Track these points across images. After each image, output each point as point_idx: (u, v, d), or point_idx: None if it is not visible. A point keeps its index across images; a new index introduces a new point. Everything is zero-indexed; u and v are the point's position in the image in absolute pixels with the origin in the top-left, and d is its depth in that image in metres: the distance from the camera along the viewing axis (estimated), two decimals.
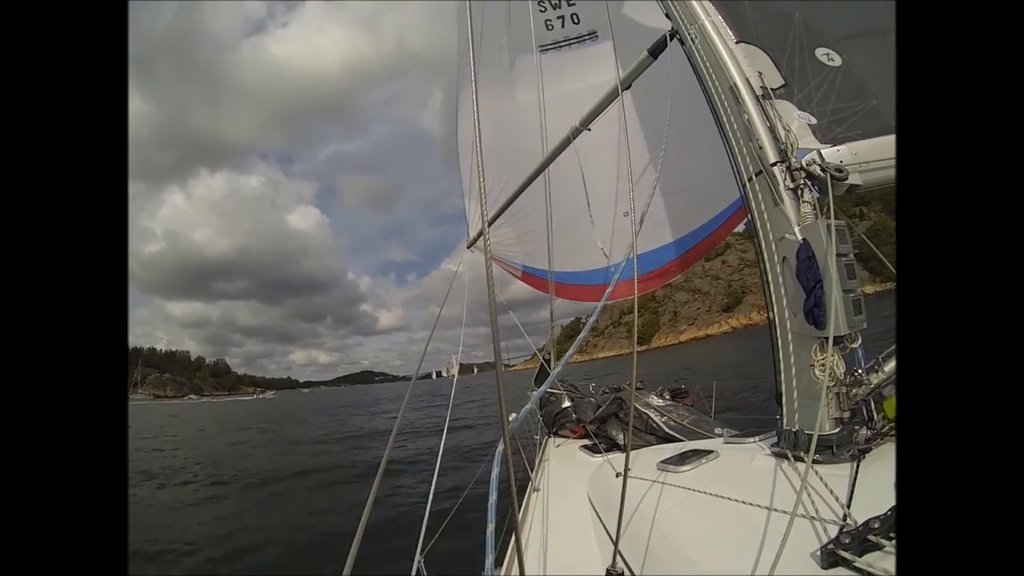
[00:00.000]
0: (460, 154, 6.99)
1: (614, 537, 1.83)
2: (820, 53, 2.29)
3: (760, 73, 2.12)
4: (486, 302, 1.55)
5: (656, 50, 2.90)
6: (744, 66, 2.15)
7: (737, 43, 2.23)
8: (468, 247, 6.56)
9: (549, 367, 5.68)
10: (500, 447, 2.08)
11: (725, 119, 2.19)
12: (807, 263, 1.82)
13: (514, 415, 4.26)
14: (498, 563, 2.13)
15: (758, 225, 2.07)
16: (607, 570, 1.41)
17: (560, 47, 5.64)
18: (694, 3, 2.39)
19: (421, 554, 2.11)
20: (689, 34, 2.37)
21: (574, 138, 3.88)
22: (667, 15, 2.61)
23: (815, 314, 1.79)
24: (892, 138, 2.02)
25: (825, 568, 1.19)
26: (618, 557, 1.53)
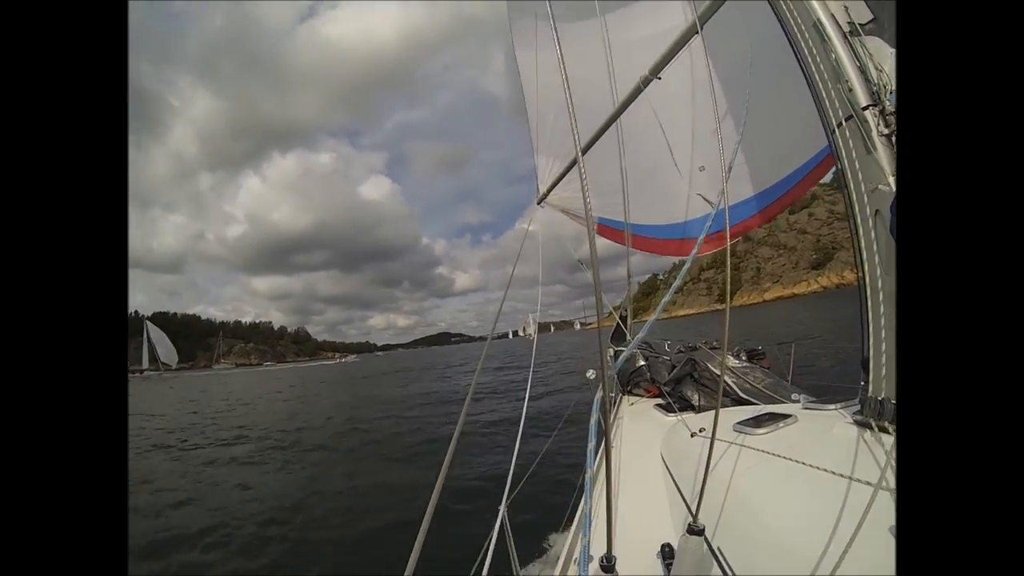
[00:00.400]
0: (528, 109, 6.79)
1: (688, 496, 1.90)
2: None
3: (846, 7, 1.95)
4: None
5: None
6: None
7: None
8: (538, 203, 6.43)
9: (625, 324, 5.58)
10: (598, 395, 2.10)
11: (810, 60, 2.02)
12: None
13: (592, 372, 4.22)
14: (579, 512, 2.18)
15: (848, 176, 1.91)
16: (688, 525, 1.40)
17: None
18: None
19: (505, 504, 2.20)
20: None
21: (645, 86, 3.70)
22: None
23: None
24: None
25: None
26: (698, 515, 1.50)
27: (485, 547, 1.97)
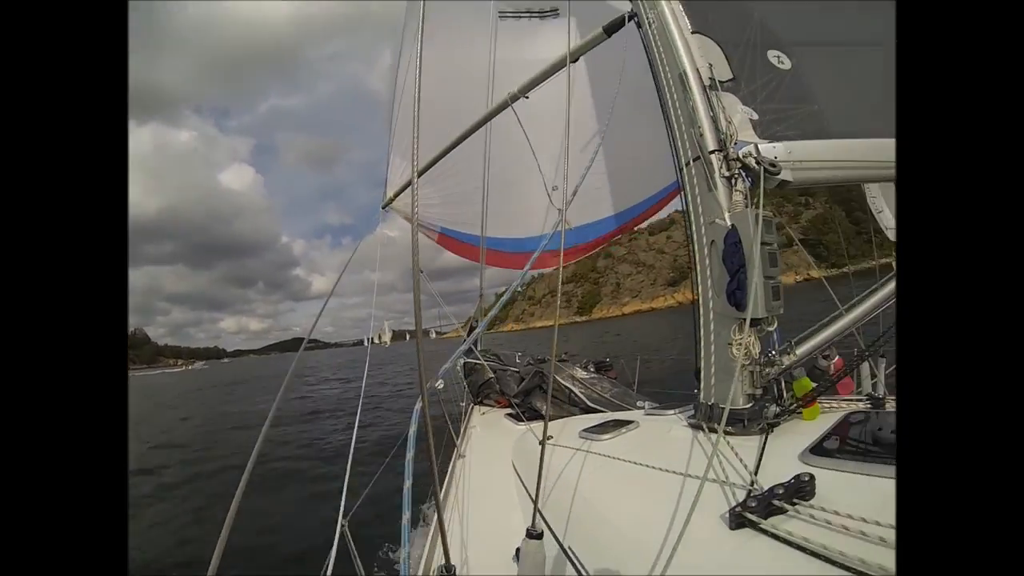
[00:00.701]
0: (394, 106, 6.79)
1: (535, 502, 1.95)
2: (772, 55, 2.41)
3: (711, 65, 2.25)
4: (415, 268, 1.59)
5: (611, 28, 2.97)
6: (696, 56, 2.24)
7: (693, 33, 2.32)
8: (383, 207, 6.45)
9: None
10: (418, 405, 2.14)
11: (671, 104, 2.30)
12: (733, 248, 1.96)
13: (440, 382, 4.33)
14: (417, 522, 2.22)
15: (691, 208, 2.21)
16: (527, 530, 1.46)
17: (520, 17, 5.53)
18: None
19: (344, 518, 2.21)
20: (647, 18, 2.45)
21: (512, 102, 3.89)
22: None
23: (736, 296, 1.95)
24: (827, 142, 2.18)
25: (733, 528, 1.31)
26: (538, 518, 1.61)
27: (325, 564, 2.02)
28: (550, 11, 5.54)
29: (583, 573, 1.52)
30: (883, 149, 2.20)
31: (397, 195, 6.28)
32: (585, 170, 2.14)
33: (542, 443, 1.69)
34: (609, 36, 3.02)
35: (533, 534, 1.46)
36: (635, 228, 6.95)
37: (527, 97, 3.81)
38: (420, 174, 5.37)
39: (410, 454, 2.09)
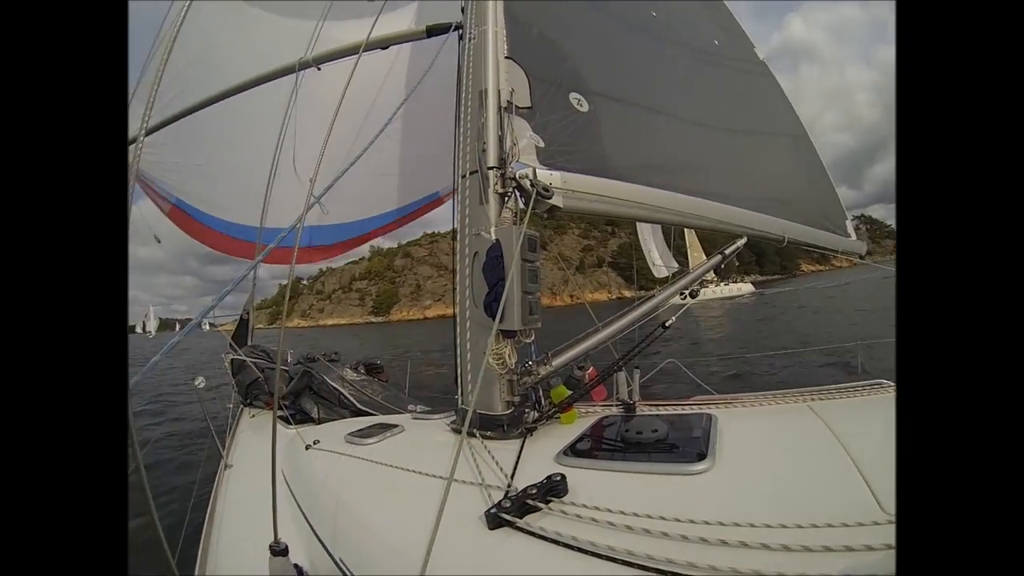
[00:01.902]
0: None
1: (305, 509, 2.01)
2: (573, 96, 2.67)
3: (512, 90, 2.43)
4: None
5: (434, 31, 3.09)
6: (502, 78, 2.45)
7: (507, 57, 2.49)
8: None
9: (249, 327, 5.43)
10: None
11: (464, 116, 2.50)
12: (495, 261, 2.09)
13: (200, 379, 3.95)
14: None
15: (460, 218, 2.39)
16: (270, 546, 1.47)
17: None
18: (489, 4, 2.60)
19: None
20: (471, 33, 2.57)
21: (299, 68, 3.77)
22: (462, 9, 2.79)
23: (492, 307, 2.05)
24: (601, 179, 2.43)
25: (491, 529, 1.37)
26: (297, 530, 1.57)
27: None
28: None
29: None
30: (649, 195, 2.53)
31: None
32: (348, 165, 2.13)
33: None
34: (428, 37, 3.13)
35: (276, 551, 1.47)
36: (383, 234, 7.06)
37: (319, 68, 3.71)
38: (159, 126, 4.70)
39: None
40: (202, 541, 2.20)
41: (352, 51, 3.31)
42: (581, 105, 2.64)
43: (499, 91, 2.39)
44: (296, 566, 1.60)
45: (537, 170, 2.22)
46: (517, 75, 2.45)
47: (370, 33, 2.72)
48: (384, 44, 3.26)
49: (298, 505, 2.10)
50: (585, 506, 1.36)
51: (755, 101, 4.33)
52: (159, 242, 6.25)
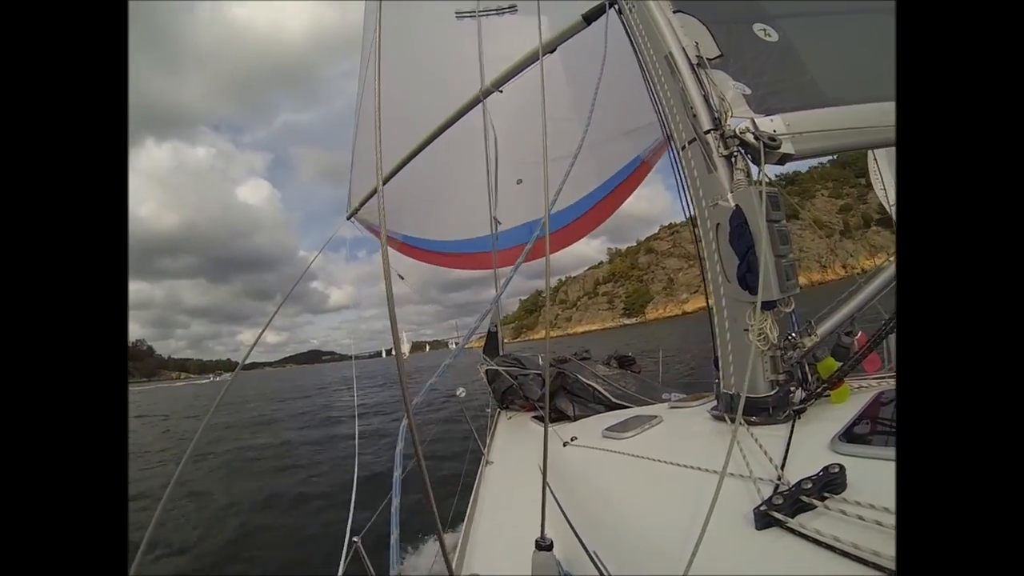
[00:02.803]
0: (357, 119, 6.81)
1: (560, 506, 1.93)
2: (758, 28, 2.46)
3: (696, 43, 2.28)
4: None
5: (591, 16, 3.03)
6: (681, 35, 2.31)
7: (675, 12, 2.33)
8: (348, 217, 6.59)
9: (498, 339, 5.73)
10: (404, 422, 2.15)
11: (659, 88, 2.31)
12: (740, 229, 1.94)
13: (462, 390, 4.29)
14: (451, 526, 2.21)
15: (691, 192, 2.21)
16: (536, 542, 1.41)
17: (476, 15, 5.25)
18: None
19: (357, 536, 2.17)
20: (628, 3, 2.48)
21: (484, 98, 3.92)
22: None
23: (748, 279, 1.91)
24: (825, 111, 2.16)
25: (759, 529, 1.25)
26: (554, 524, 1.57)
27: None
28: (508, 7, 5.47)
29: None
30: (881, 113, 2.17)
31: (363, 204, 6.38)
32: (569, 166, 2.10)
33: (544, 451, 1.65)
34: (588, 24, 3.07)
35: (542, 546, 1.42)
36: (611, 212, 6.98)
37: (500, 91, 3.83)
38: (385, 181, 5.36)
39: (397, 472, 2.08)
40: (462, 531, 2.24)
41: (527, 63, 3.38)
42: (769, 35, 2.41)
43: (684, 49, 2.23)
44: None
45: (756, 120, 2.05)
46: (694, 26, 2.31)
47: (541, 48, 2.72)
48: (551, 49, 3.26)
49: (555, 500, 2.04)
50: (869, 506, 1.16)
51: None
52: (402, 279, 6.93)
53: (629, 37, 2.56)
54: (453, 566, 1.93)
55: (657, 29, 2.31)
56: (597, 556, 1.56)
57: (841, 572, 1.04)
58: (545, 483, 1.54)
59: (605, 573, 1.47)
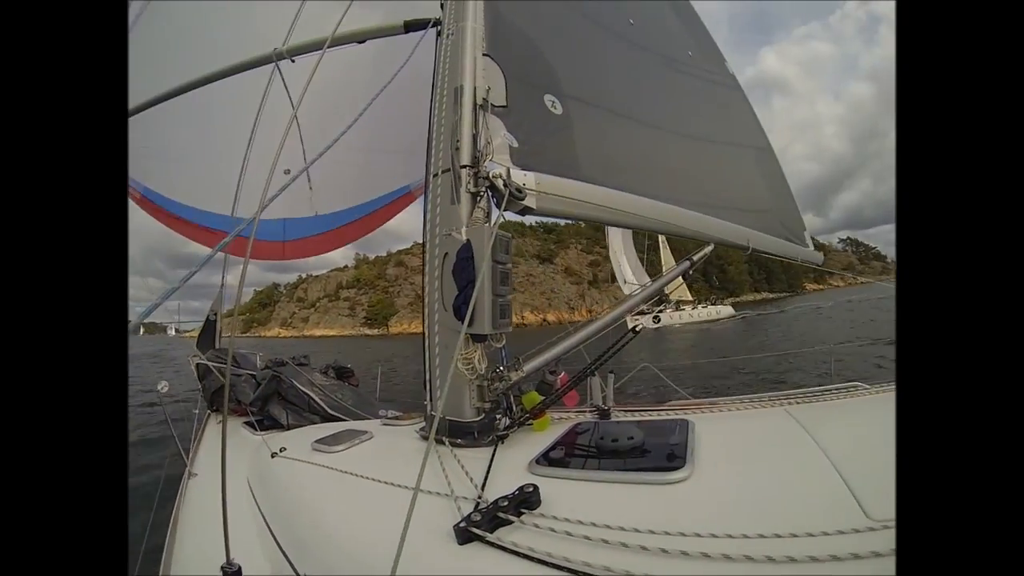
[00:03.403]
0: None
1: (269, 520, 1.90)
2: (548, 99, 2.67)
3: (488, 88, 2.41)
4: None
5: (412, 26, 3.09)
6: (479, 76, 2.43)
7: (484, 55, 2.45)
8: None
9: (216, 330, 5.36)
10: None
11: (437, 113, 2.49)
12: (465, 262, 2.05)
13: (164, 384, 3.90)
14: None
15: (430, 218, 2.36)
16: (222, 567, 1.39)
17: None
18: (469, 3, 2.59)
19: None
20: (449, 30, 2.55)
21: (276, 60, 3.70)
22: (442, 5, 2.78)
23: (462, 310, 1.99)
24: (576, 182, 2.41)
25: (461, 543, 1.31)
26: (262, 543, 1.49)
27: None
28: None
29: None
30: (619, 199, 2.52)
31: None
32: (316, 156, 2.07)
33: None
34: (406, 32, 3.11)
35: (229, 573, 1.39)
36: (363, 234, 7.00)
37: (293, 61, 3.65)
38: (134, 112, 4.62)
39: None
40: (164, 553, 2.07)
41: (333, 43, 3.27)
42: (555, 107, 2.63)
43: (475, 88, 2.36)
44: None
45: (511, 170, 2.19)
46: (494, 73, 2.43)
47: (337, 26, 2.64)
48: (360, 38, 3.24)
49: (263, 516, 2.01)
50: (559, 519, 1.31)
51: (724, 112, 4.38)
52: None
53: (435, 57, 2.64)
54: None
55: (461, 61, 2.40)
56: None
57: None
58: (224, 503, 1.52)
59: None
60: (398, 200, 6.65)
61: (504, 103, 2.39)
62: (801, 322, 29.01)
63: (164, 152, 5.69)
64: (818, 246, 4.19)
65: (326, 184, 5.83)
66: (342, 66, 3.59)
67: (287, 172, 3.26)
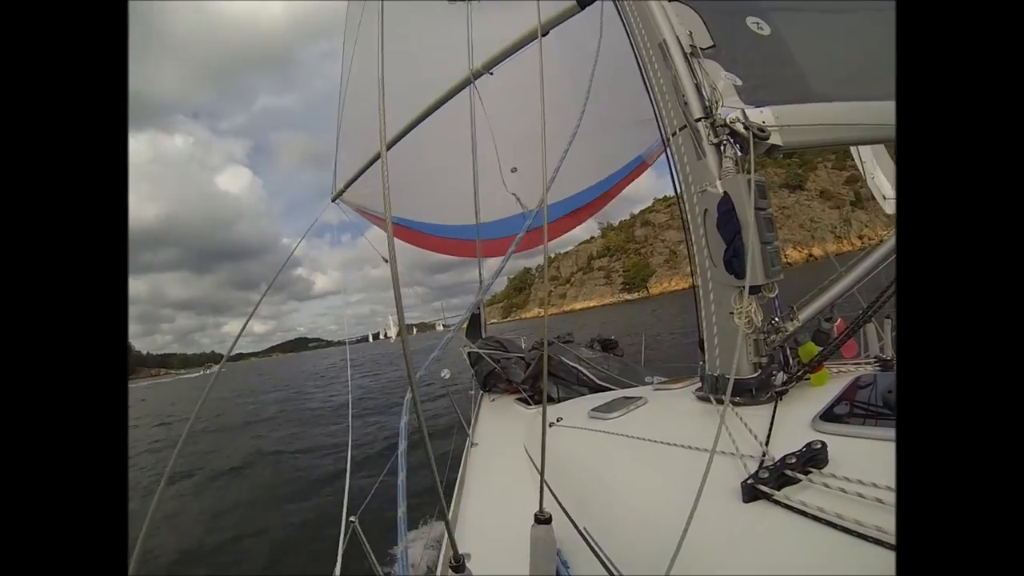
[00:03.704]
0: (342, 99, 6.70)
1: (552, 484, 1.97)
2: (750, 21, 2.48)
3: (690, 32, 2.30)
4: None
5: (585, 2, 3.03)
6: (675, 24, 2.32)
7: (670, 1, 2.34)
8: (333, 199, 6.58)
9: (481, 321, 5.76)
10: (408, 395, 2.19)
11: (652, 75, 2.32)
12: (727, 215, 1.98)
13: (446, 371, 4.33)
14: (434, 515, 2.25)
15: (680, 178, 2.25)
16: (535, 515, 1.43)
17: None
18: None
19: (353, 516, 2.21)
20: None
21: (475, 79, 3.89)
22: None
23: (734, 264, 1.96)
24: (814, 105, 2.20)
25: (746, 501, 1.31)
26: (545, 502, 1.62)
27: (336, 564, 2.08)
28: None
29: (599, 554, 1.51)
30: (869, 111, 2.22)
31: (349, 185, 6.37)
32: (564, 152, 2.12)
33: (543, 428, 1.71)
34: (582, 8, 3.08)
35: (541, 519, 1.43)
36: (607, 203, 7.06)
37: (491, 73, 3.81)
38: (371, 162, 5.26)
39: (402, 446, 2.14)
40: (451, 510, 2.26)
41: (520, 46, 3.34)
42: (762, 29, 2.44)
43: (678, 38, 2.25)
44: None
45: (746, 111, 2.07)
46: (688, 15, 2.32)
47: (539, 19, 2.71)
48: (546, 30, 3.22)
49: (543, 479, 2.14)
50: (851, 479, 1.22)
51: None
52: (386, 261, 6.84)
53: (623, 23, 2.56)
54: (444, 547, 2.00)
55: (651, 16, 2.32)
56: (588, 532, 1.61)
57: (826, 541, 1.10)
58: (543, 457, 1.60)
59: (597, 549, 1.52)
60: (634, 171, 6.62)
61: (711, 42, 2.28)
62: None
63: (406, 185, 6.52)
64: None
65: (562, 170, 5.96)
66: (527, 65, 3.63)
67: (514, 171, 3.43)
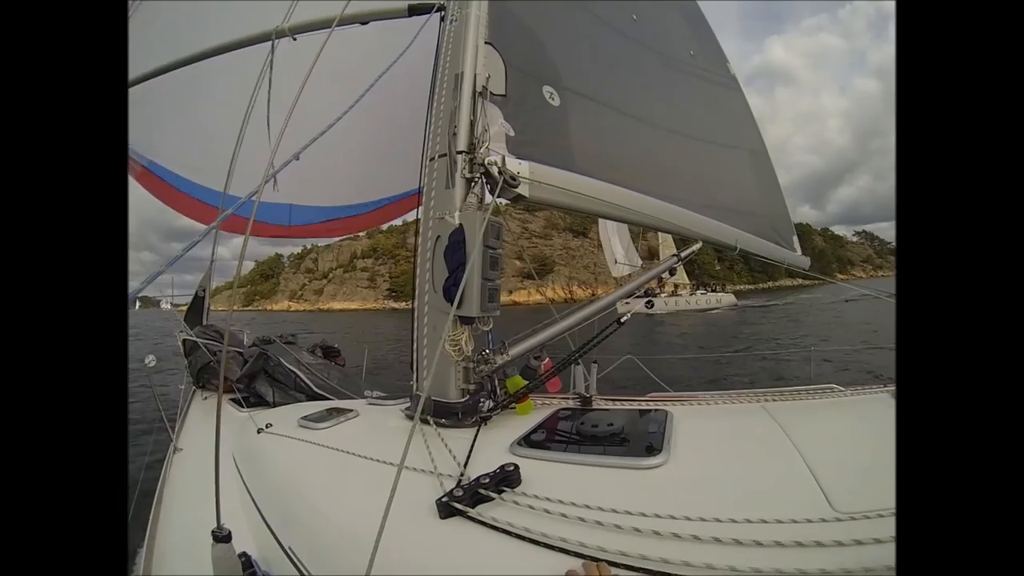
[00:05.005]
0: None
1: (255, 496, 1.94)
2: (546, 90, 2.68)
3: (488, 75, 2.41)
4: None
5: (416, 10, 3.06)
6: (479, 63, 2.44)
7: (486, 43, 2.52)
8: None
9: (204, 305, 5.34)
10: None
11: (437, 99, 2.51)
12: (456, 246, 2.10)
13: (151, 358, 3.92)
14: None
15: (425, 201, 2.40)
16: (212, 532, 1.38)
17: None
18: None
19: None
20: (452, 15, 2.57)
21: (275, 38, 3.60)
22: None
23: (451, 292, 2.04)
24: (568, 173, 2.44)
25: (443, 517, 1.37)
26: (248, 517, 1.54)
27: None
28: None
29: (303, 572, 1.48)
30: (611, 192, 2.55)
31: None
32: (309, 141, 2.07)
33: (216, 443, 1.57)
34: (409, 16, 3.09)
35: (219, 537, 1.38)
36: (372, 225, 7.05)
37: (294, 39, 3.55)
38: (133, 83, 4.51)
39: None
40: (148, 526, 2.08)
41: (327, 24, 3.20)
42: (553, 99, 2.65)
43: (475, 75, 2.38)
44: (244, 554, 1.52)
45: (506, 158, 2.22)
46: (495, 61, 2.45)
47: (346, 7, 2.64)
48: (363, 20, 3.18)
49: (248, 490, 2.05)
50: (538, 497, 1.37)
51: (721, 113, 4.37)
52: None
53: (437, 43, 2.65)
54: (140, 567, 1.80)
55: (463, 47, 2.41)
56: (291, 550, 1.58)
57: (517, 553, 1.21)
58: (217, 471, 1.53)
59: (300, 566, 1.49)
60: (410, 199, 6.52)
61: (503, 92, 2.41)
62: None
63: (167, 126, 5.57)
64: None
65: (339, 175, 5.92)
66: (348, 50, 3.49)
67: (297, 158, 3.25)
